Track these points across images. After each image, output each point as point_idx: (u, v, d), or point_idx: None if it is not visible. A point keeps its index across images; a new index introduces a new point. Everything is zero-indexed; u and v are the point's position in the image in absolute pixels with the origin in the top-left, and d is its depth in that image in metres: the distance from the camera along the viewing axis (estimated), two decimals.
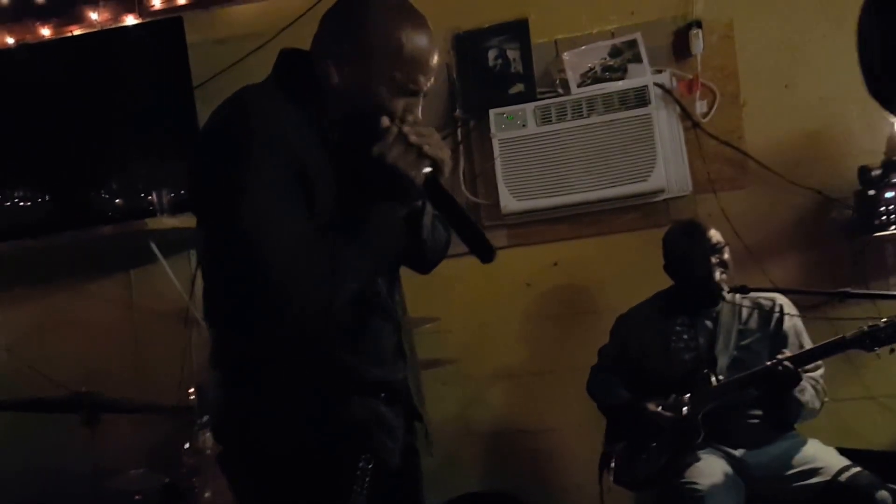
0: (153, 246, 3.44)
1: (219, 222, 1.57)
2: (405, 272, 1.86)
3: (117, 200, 3.64)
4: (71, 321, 3.84)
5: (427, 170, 1.59)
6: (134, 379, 3.60)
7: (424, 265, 1.85)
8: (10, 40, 3.95)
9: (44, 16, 3.91)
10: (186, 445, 2.88)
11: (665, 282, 3.10)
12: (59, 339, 3.84)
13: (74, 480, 3.13)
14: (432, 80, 1.65)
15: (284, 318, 1.50)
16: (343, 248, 1.54)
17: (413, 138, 1.57)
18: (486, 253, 1.61)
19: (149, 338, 3.69)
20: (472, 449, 3.62)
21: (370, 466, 1.64)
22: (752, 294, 3.00)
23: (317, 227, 1.55)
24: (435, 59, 1.65)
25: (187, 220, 2.78)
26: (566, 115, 3.45)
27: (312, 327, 1.56)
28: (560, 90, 3.54)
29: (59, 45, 3.83)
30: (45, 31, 3.91)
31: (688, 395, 2.87)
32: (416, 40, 1.62)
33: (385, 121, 1.60)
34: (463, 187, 3.64)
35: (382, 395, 1.69)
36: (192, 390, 3.15)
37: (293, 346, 1.59)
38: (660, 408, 2.89)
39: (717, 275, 2.95)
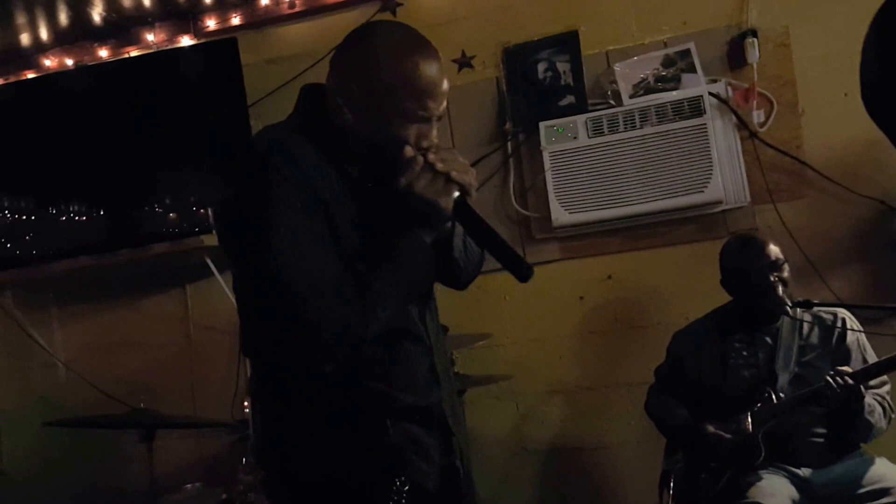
0: (209, 261, 3.48)
1: (248, 265, 1.60)
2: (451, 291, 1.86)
3: (171, 215, 3.70)
4: (127, 337, 3.90)
5: (456, 194, 1.60)
6: (189, 394, 3.64)
7: (459, 282, 1.85)
8: (70, 62, 4.05)
9: (101, 38, 4.00)
10: (244, 461, 2.89)
11: (722, 296, 3.04)
12: (115, 356, 3.90)
13: (131, 496, 3.17)
14: (444, 104, 1.67)
15: (319, 354, 1.53)
16: (372, 280, 1.57)
17: (439, 165, 1.60)
18: (522, 272, 1.61)
19: (204, 353, 3.73)
20: (526, 467, 3.58)
21: (405, 489, 1.64)
22: (814, 308, 2.93)
23: (345, 262, 1.57)
24: (445, 84, 1.66)
25: None
26: (618, 126, 3.41)
27: (347, 360, 1.58)
28: (612, 101, 3.51)
29: (116, 66, 3.92)
30: (103, 53, 4.01)
31: (748, 413, 2.81)
32: (423, 68, 1.62)
33: (409, 151, 1.61)
34: (513, 200, 3.62)
35: (416, 418, 1.69)
36: (246, 404, 3.17)
37: (328, 378, 1.60)
38: (719, 429, 2.82)
39: (780, 289, 2.88)
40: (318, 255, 1.55)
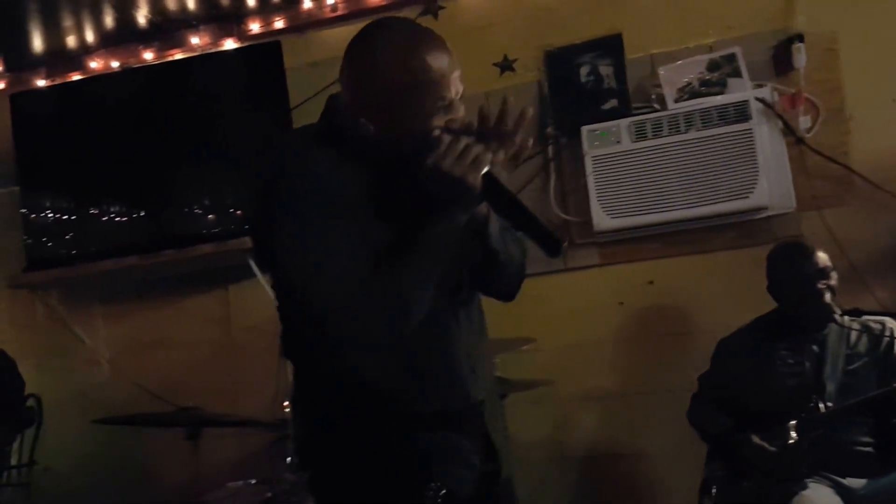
0: (252, 263, 3.51)
1: (279, 260, 1.60)
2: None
3: (210, 216, 3.74)
4: (170, 336, 3.95)
5: (486, 169, 1.55)
6: (230, 394, 3.67)
7: (503, 287, 1.81)
8: (115, 64, 4.10)
9: (147, 40, 4.05)
10: (287, 460, 2.91)
11: (766, 303, 3.01)
12: (157, 354, 3.95)
13: (174, 493, 3.21)
14: (461, 87, 1.64)
15: (356, 340, 1.53)
16: (401, 273, 1.55)
17: (464, 141, 1.56)
18: (553, 246, 1.56)
19: (245, 353, 3.75)
20: (564, 473, 3.56)
21: (441, 494, 1.62)
22: (862, 317, 2.91)
23: (374, 259, 1.55)
24: (456, 70, 1.63)
25: None
26: (662, 130, 3.39)
27: (385, 346, 1.56)
28: (656, 105, 3.48)
29: (160, 68, 3.97)
30: (148, 55, 4.06)
31: (793, 421, 2.77)
32: (430, 61, 1.60)
33: (435, 131, 1.59)
34: (553, 205, 3.61)
35: (450, 422, 1.67)
36: (286, 403, 3.19)
37: (366, 367, 1.59)
38: (764, 440, 2.79)
39: (828, 297, 2.84)
40: (344, 252, 1.53)
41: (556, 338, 3.52)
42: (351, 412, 1.64)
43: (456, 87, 1.63)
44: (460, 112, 1.64)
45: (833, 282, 2.88)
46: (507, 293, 1.84)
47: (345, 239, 1.54)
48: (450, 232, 1.58)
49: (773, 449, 2.76)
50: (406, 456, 1.64)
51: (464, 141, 1.55)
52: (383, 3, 3.77)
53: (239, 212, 3.69)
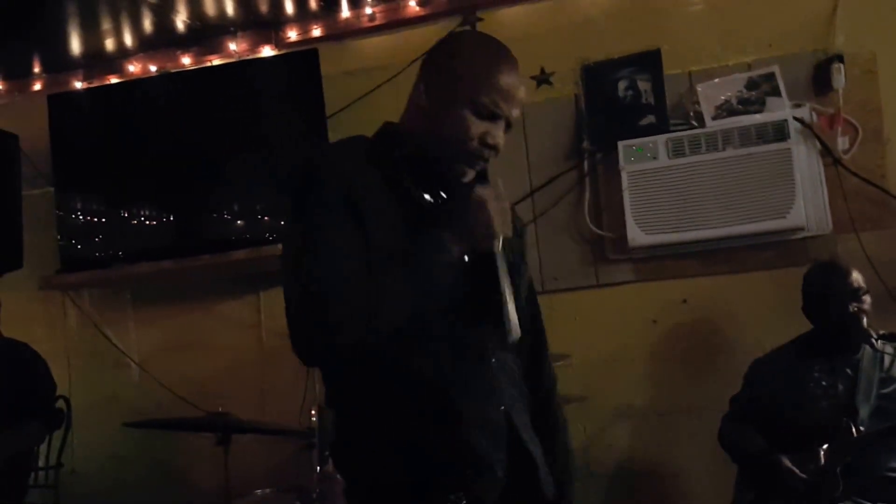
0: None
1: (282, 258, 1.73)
2: None
3: (239, 222, 3.76)
4: (200, 341, 3.95)
5: (499, 240, 1.64)
6: (259, 400, 3.67)
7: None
8: (153, 68, 4.13)
9: (185, 45, 4.07)
10: (318, 469, 2.91)
11: (801, 324, 2.99)
12: (187, 358, 3.95)
13: (202, 498, 3.20)
14: (516, 111, 1.72)
15: (329, 328, 1.57)
16: (389, 276, 1.60)
17: (506, 204, 1.66)
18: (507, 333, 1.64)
19: (275, 360, 3.74)
20: (592, 490, 3.52)
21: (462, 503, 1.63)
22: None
23: (373, 261, 1.61)
24: (521, 91, 1.72)
25: None
26: (700, 147, 3.38)
27: (355, 339, 1.59)
28: (693, 122, 3.47)
29: (198, 73, 3.98)
30: (186, 60, 4.08)
31: (826, 445, 2.75)
32: (504, 68, 1.70)
33: (473, 142, 1.67)
34: (588, 220, 3.60)
35: (477, 430, 1.67)
36: (313, 411, 3.19)
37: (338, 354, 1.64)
38: (795, 463, 2.77)
39: (864, 320, 2.83)
40: (338, 249, 1.60)
41: (589, 353, 3.50)
42: (374, 419, 1.67)
43: (511, 107, 1.71)
44: (501, 134, 1.71)
45: (866, 305, 2.87)
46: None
47: (344, 238, 1.61)
48: (444, 256, 1.63)
49: (803, 476, 2.74)
50: (426, 462, 1.64)
51: (497, 204, 1.64)
52: (422, 13, 3.78)
53: (266, 218, 3.69)
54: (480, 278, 1.68)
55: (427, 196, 1.73)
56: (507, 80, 1.69)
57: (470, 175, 1.74)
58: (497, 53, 1.74)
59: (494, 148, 1.70)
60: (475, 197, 1.65)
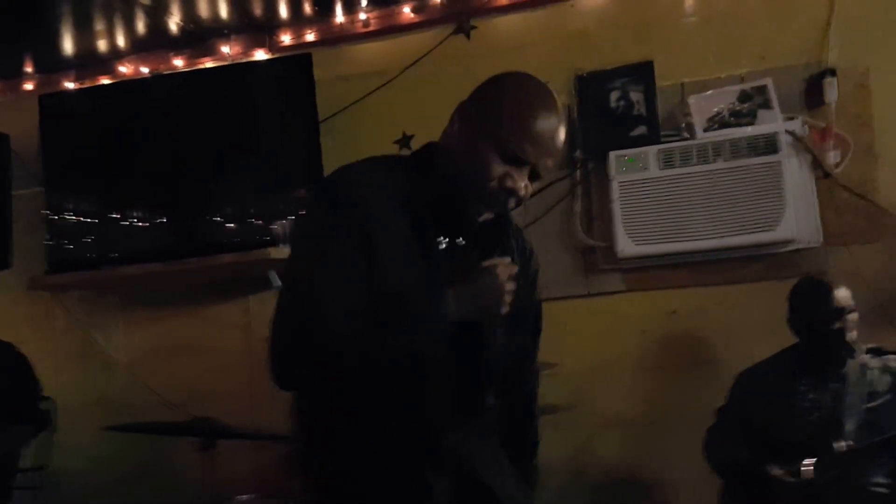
0: (273, 275, 3.51)
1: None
2: None
3: (230, 225, 3.74)
4: (188, 344, 3.93)
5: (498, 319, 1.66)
6: (246, 404, 3.65)
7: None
8: (145, 70, 4.11)
9: (178, 47, 4.05)
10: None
11: (789, 336, 3.00)
12: (175, 361, 3.93)
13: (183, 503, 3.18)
14: (549, 160, 1.66)
15: (314, 335, 1.59)
16: (385, 319, 1.59)
17: (510, 282, 1.65)
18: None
19: (263, 364, 3.73)
20: (582, 498, 3.53)
21: None
22: (884, 356, 2.91)
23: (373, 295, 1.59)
24: (557, 141, 1.67)
25: None
26: (691, 159, 3.38)
27: (333, 358, 1.61)
28: (685, 134, 3.48)
29: (190, 76, 3.97)
30: (179, 62, 4.06)
31: (813, 459, 2.75)
32: (536, 112, 1.64)
33: (493, 182, 1.64)
34: (579, 229, 3.60)
35: (426, 463, 1.67)
36: None
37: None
38: (783, 472, 2.78)
39: (848, 335, 2.83)
40: (336, 280, 1.58)
41: (578, 362, 3.50)
42: (332, 441, 1.70)
43: (541, 158, 1.65)
44: (524, 181, 1.65)
45: (850, 323, 2.88)
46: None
47: (347, 265, 1.59)
48: (441, 313, 1.62)
49: (792, 480, 2.75)
50: (377, 491, 1.66)
51: (510, 280, 1.63)
52: (416, 19, 3.78)
53: (259, 222, 3.69)
54: (469, 345, 1.67)
55: (443, 238, 1.69)
56: (541, 125, 1.63)
57: (487, 217, 1.70)
58: (536, 96, 1.67)
59: (514, 193, 1.64)
60: (492, 270, 1.63)
